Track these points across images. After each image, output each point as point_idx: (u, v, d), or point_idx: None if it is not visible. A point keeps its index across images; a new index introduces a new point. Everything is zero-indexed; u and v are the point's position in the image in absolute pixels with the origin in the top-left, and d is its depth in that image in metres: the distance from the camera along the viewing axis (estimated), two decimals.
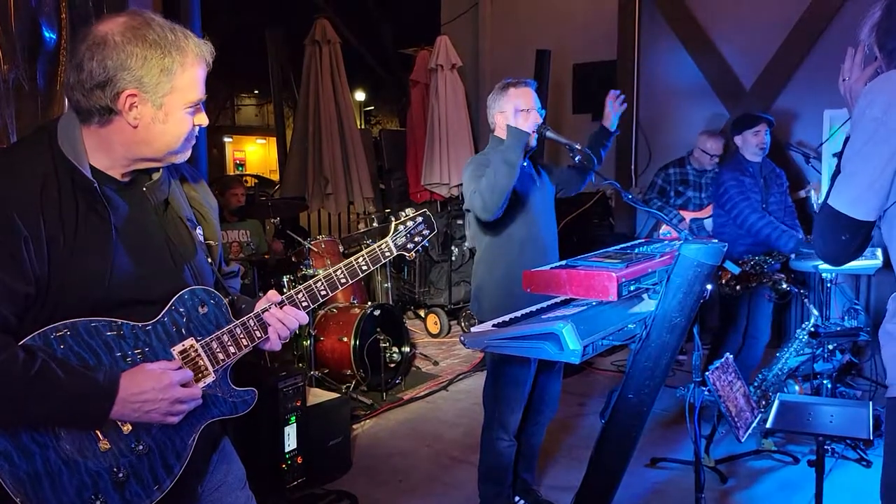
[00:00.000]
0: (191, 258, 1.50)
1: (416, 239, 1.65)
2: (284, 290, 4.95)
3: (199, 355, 1.45)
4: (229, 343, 1.48)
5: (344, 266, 1.58)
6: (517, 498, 3.05)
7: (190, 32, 1.40)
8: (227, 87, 21.82)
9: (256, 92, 25.17)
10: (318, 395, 3.61)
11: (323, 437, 3.46)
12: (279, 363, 4.87)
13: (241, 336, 1.50)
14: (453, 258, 6.57)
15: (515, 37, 7.17)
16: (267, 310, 1.53)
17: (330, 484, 3.41)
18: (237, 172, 23.98)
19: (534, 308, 2.12)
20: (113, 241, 1.36)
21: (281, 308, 1.54)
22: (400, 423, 4.28)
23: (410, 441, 4.02)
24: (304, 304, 1.56)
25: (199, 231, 1.54)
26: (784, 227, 3.78)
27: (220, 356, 1.48)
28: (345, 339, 4.51)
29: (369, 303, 4.90)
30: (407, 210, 1.68)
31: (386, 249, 1.62)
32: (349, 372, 4.53)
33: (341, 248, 5.25)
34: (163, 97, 1.35)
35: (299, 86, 6.91)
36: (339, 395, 3.75)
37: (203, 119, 1.44)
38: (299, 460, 3.24)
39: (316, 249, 4.91)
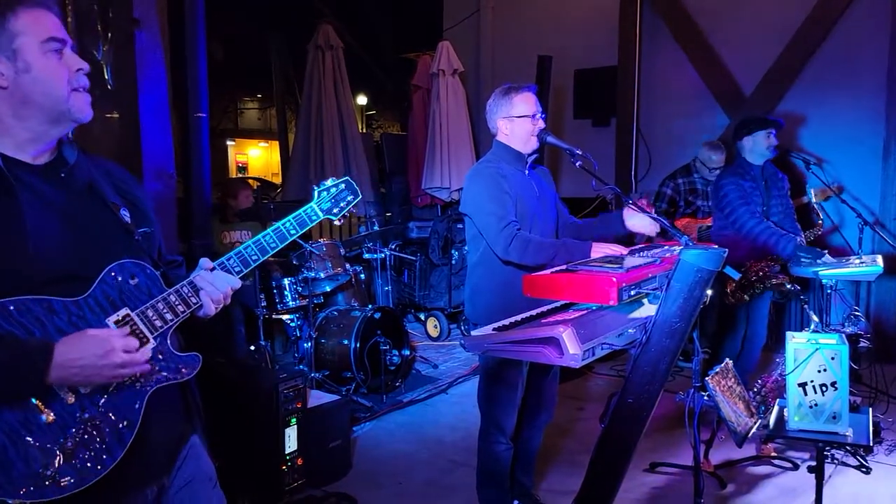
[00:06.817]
0: (118, 239, 1.52)
1: (341, 204, 1.73)
2: (286, 294, 4.88)
3: (134, 324, 1.47)
4: (165, 310, 1.50)
5: (272, 231, 1.65)
6: (516, 502, 3.05)
7: None
8: (229, 90, 21.87)
9: (259, 96, 25.18)
10: (318, 397, 3.62)
11: (323, 439, 3.47)
12: (279, 365, 4.88)
13: (177, 303, 1.52)
14: (453, 262, 6.58)
15: (517, 42, 7.19)
16: (198, 275, 1.56)
17: (329, 486, 3.42)
18: (239, 175, 24.02)
19: (534, 312, 2.12)
20: (24, 218, 1.38)
21: (211, 272, 1.57)
22: (400, 426, 4.28)
23: (410, 444, 4.02)
24: (237, 269, 1.59)
25: (125, 213, 1.56)
26: (782, 232, 3.78)
27: (158, 323, 1.49)
28: (345, 342, 4.53)
29: (369, 305, 4.91)
30: (329, 179, 1.75)
31: (312, 213, 1.70)
32: (349, 374, 4.54)
33: (342, 251, 5.25)
34: (10, 46, 1.38)
35: (302, 90, 6.93)
36: (339, 397, 3.76)
37: (76, 61, 1.46)
38: (299, 462, 3.25)
39: (317, 252, 4.92)
